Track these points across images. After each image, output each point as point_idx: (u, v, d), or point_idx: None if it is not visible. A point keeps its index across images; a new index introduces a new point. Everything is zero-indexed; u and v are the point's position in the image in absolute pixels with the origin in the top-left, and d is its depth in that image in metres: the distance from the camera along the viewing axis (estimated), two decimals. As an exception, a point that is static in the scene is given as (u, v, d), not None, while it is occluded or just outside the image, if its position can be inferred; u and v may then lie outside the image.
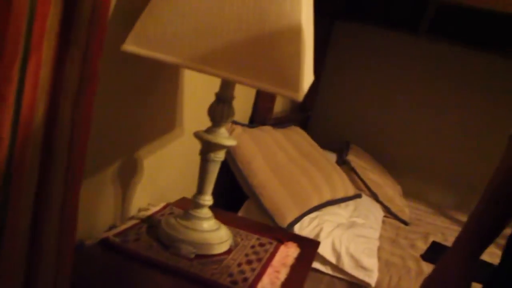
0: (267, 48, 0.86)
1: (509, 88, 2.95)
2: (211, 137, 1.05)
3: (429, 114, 3.10)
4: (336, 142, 3.11)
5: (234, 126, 1.80)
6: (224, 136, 1.07)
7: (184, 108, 1.44)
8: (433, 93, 3.09)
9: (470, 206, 2.84)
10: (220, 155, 1.09)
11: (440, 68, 3.05)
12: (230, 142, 1.07)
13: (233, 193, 1.81)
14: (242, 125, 1.85)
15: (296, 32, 0.85)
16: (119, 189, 1.20)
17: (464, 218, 2.81)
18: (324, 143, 3.04)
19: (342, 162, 2.51)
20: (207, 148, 1.07)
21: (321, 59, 3.10)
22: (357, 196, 2.20)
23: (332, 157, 2.75)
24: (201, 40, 0.87)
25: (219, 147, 1.06)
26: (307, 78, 0.96)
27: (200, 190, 1.11)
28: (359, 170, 2.49)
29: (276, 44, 0.85)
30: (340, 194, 2.03)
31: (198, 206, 1.11)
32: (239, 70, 0.87)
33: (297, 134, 2.20)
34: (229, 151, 1.70)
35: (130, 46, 0.90)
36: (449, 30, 2.94)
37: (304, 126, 3.14)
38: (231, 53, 0.86)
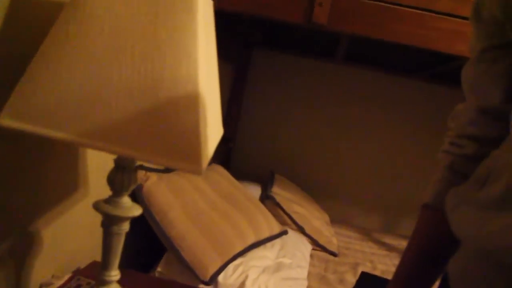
0: (162, 118, 0.77)
1: (427, 110, 3.04)
2: (111, 209, 0.94)
3: (352, 139, 3.13)
4: (261, 172, 3.07)
5: (149, 174, 1.69)
6: (127, 206, 0.97)
7: (89, 166, 1.32)
8: (354, 118, 3.12)
9: (396, 228, 2.88)
10: (125, 227, 0.98)
11: (360, 94, 3.10)
12: (135, 212, 0.97)
13: (153, 244, 1.70)
14: (157, 171, 1.75)
15: (193, 99, 0.78)
16: (12, 268, 1.07)
17: (391, 240, 2.85)
18: (249, 174, 2.99)
19: (266, 197, 2.46)
20: (109, 220, 0.96)
21: (241, 88, 3.06)
22: (283, 233, 2.14)
23: (257, 190, 2.69)
24: (89, 111, 0.77)
25: (123, 219, 0.96)
26: (211, 144, 0.89)
27: (105, 266, 1.00)
28: (284, 204, 2.44)
29: (172, 114, 0.77)
30: (265, 234, 1.96)
31: (104, 283, 1.00)
32: (133, 143, 0.78)
33: (218, 174, 2.12)
34: (144, 202, 1.60)
35: (5, 121, 0.79)
36: (365, 56, 3.00)
37: (227, 158, 3.07)
38: (123, 126, 0.77)
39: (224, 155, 2.96)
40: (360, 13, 1.89)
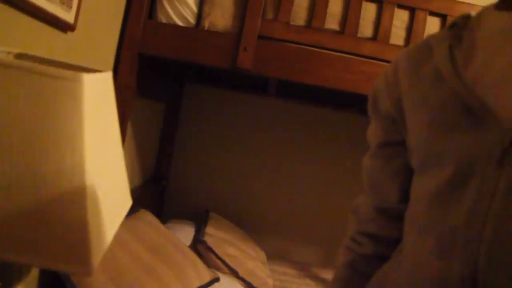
0: (44, 216, 0.70)
1: (363, 143, 3.06)
2: None
3: (288, 173, 3.11)
4: (197, 209, 2.99)
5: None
6: None
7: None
8: (290, 152, 3.11)
9: (336, 261, 2.86)
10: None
11: (295, 128, 3.09)
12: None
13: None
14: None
15: (80, 191, 0.71)
16: None
17: (329, 275, 2.83)
18: (184, 213, 2.91)
19: (198, 241, 2.38)
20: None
21: (173, 125, 2.98)
22: (215, 280, 2.07)
23: (191, 231, 2.61)
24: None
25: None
26: (110, 230, 0.82)
27: None
28: (217, 247, 2.37)
29: (56, 210, 0.70)
30: (194, 285, 1.89)
31: None
32: (13, 244, 0.70)
33: (145, 224, 2.03)
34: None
35: None
36: (298, 90, 3.00)
37: (161, 197, 2.98)
38: (1, 226, 0.69)
39: (157, 194, 2.87)
40: (285, 57, 1.87)
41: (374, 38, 1.92)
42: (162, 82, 2.52)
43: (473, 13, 0.72)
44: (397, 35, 1.94)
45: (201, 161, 3.08)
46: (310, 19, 1.89)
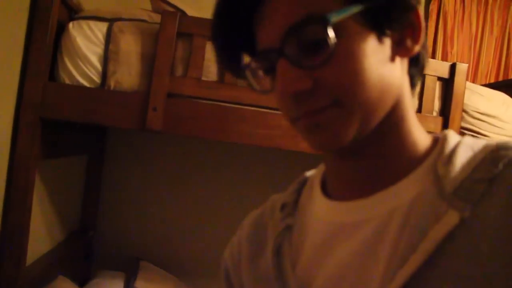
0: None
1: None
2: None
3: (218, 213, 3.02)
4: (128, 257, 2.86)
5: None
6: None
7: None
8: (224, 191, 3.02)
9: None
10: None
11: (228, 165, 3.01)
12: None
13: None
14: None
15: None
16: None
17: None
18: (113, 263, 2.78)
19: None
20: None
21: (97, 173, 2.84)
22: None
23: (119, 284, 2.49)
24: None
25: None
26: None
27: None
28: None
29: None
30: None
31: None
32: None
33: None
34: None
35: None
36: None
37: (88, 248, 2.83)
38: None
39: (84, 245, 2.72)
40: (198, 115, 1.79)
41: (290, 90, 1.86)
42: (80, 132, 2.39)
43: (308, 176, 0.74)
44: (314, 86, 1.88)
45: (129, 206, 2.94)
46: (222, 73, 1.81)
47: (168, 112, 1.76)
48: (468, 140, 0.59)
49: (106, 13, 1.85)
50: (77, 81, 1.76)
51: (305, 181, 0.74)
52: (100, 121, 1.78)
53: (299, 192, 0.72)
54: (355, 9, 0.53)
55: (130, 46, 1.77)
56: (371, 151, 0.60)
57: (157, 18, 1.85)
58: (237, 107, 1.81)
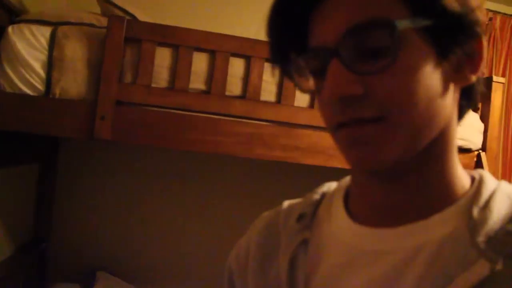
0: None
1: (256, 190, 2.97)
2: None
3: (175, 222, 2.95)
4: (84, 268, 2.77)
5: None
6: None
7: None
8: (174, 199, 2.95)
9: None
10: None
11: (180, 175, 2.94)
12: None
13: None
14: None
15: None
16: None
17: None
18: (68, 275, 2.69)
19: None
20: None
21: (50, 182, 2.74)
22: None
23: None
24: None
25: None
26: None
27: None
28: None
29: None
30: None
31: None
32: None
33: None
34: None
35: None
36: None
37: (41, 261, 2.73)
38: None
39: (37, 259, 2.62)
40: (148, 123, 1.74)
41: (244, 96, 1.82)
42: (29, 141, 2.29)
43: (328, 189, 0.71)
44: (268, 91, 1.85)
45: (84, 216, 2.85)
46: (173, 80, 1.76)
47: (117, 120, 1.70)
48: (505, 186, 0.57)
49: (50, 16, 1.78)
50: (19, 89, 1.68)
51: (325, 192, 0.70)
52: (45, 131, 1.70)
53: (317, 203, 0.68)
54: (424, 22, 0.50)
55: (76, 52, 1.70)
56: (409, 179, 0.57)
57: (106, 22, 1.79)
58: (188, 114, 1.76)
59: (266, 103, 1.84)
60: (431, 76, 0.52)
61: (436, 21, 0.50)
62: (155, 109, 1.74)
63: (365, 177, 0.60)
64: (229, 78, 1.80)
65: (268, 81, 1.84)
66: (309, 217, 0.66)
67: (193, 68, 1.77)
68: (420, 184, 0.57)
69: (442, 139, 0.56)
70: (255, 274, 0.67)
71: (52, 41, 1.69)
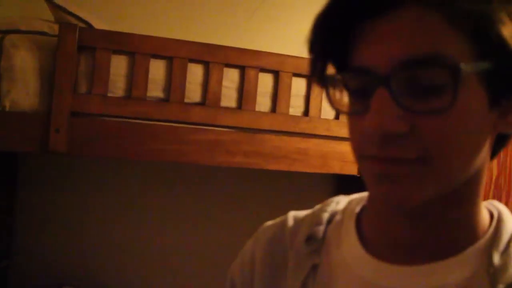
0: None
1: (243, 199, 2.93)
2: None
3: (136, 235, 2.88)
4: (48, 285, 2.68)
5: None
6: None
7: None
8: (141, 211, 2.88)
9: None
10: None
11: (149, 185, 2.88)
12: None
13: None
14: None
15: None
16: None
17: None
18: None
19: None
20: None
21: (11, 197, 2.65)
22: None
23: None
24: None
25: None
26: None
27: None
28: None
29: None
30: None
31: None
32: None
33: None
34: None
35: None
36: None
37: (3, 277, 2.63)
38: None
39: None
40: (105, 134, 1.68)
41: (203, 102, 1.78)
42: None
43: (337, 205, 0.67)
44: (229, 97, 1.82)
45: (50, 231, 2.75)
46: (129, 88, 1.71)
47: (73, 132, 1.64)
48: None
49: (-2, 23, 1.71)
50: (-34, 102, 1.60)
51: (334, 211, 0.67)
52: (-7, 146, 1.63)
53: (327, 223, 0.65)
54: (487, 65, 0.47)
55: (26, 62, 1.63)
56: (435, 217, 0.55)
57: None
58: (147, 123, 1.71)
59: (226, 109, 1.80)
60: (482, 122, 0.50)
61: (499, 65, 0.47)
62: (113, 119, 1.68)
63: (390, 211, 0.58)
64: (187, 84, 1.76)
65: (228, 87, 1.81)
66: (319, 241, 0.64)
67: (150, 76, 1.72)
68: (446, 223, 0.55)
69: (472, 181, 0.54)
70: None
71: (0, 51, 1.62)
